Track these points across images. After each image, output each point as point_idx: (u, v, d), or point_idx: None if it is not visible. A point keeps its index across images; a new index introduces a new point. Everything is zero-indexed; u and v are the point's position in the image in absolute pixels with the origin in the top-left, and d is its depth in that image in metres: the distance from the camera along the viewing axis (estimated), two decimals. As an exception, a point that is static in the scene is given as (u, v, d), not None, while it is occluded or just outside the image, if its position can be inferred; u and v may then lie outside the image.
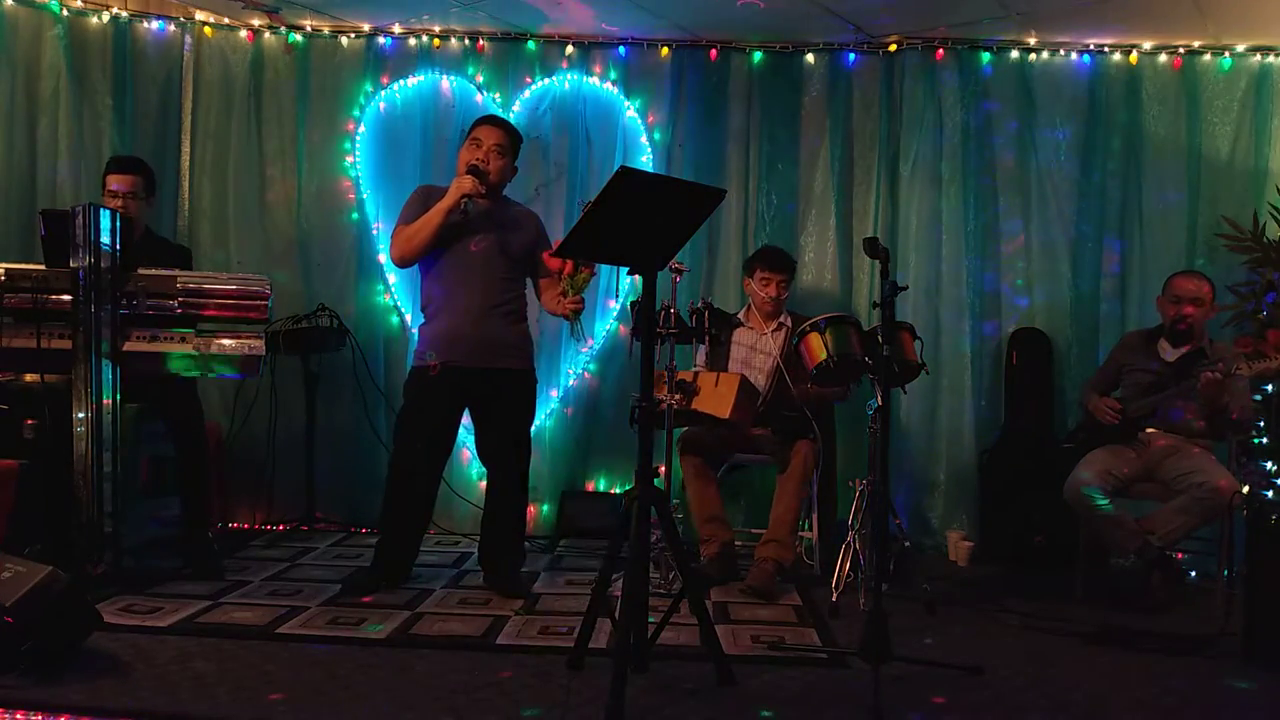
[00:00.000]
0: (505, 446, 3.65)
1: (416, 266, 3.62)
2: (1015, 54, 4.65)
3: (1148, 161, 4.58)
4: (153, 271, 3.44)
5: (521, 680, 2.67)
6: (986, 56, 4.67)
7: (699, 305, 3.73)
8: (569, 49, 4.80)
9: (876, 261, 2.87)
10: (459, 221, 3.45)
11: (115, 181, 3.73)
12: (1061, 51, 4.63)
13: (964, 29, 4.56)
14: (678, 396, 3.58)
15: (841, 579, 3.58)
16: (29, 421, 3.58)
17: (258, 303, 3.48)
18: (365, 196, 4.83)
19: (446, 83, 4.84)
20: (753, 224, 4.79)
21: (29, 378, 3.55)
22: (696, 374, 3.80)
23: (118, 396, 3.36)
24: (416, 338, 3.67)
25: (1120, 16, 4.28)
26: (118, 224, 3.35)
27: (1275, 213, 4.33)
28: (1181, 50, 4.55)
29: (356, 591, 3.49)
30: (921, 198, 4.68)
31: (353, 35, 4.83)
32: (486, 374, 3.52)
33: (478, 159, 3.49)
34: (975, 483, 4.59)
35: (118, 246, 3.34)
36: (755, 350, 4.20)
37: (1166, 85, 4.58)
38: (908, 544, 3.96)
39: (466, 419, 3.75)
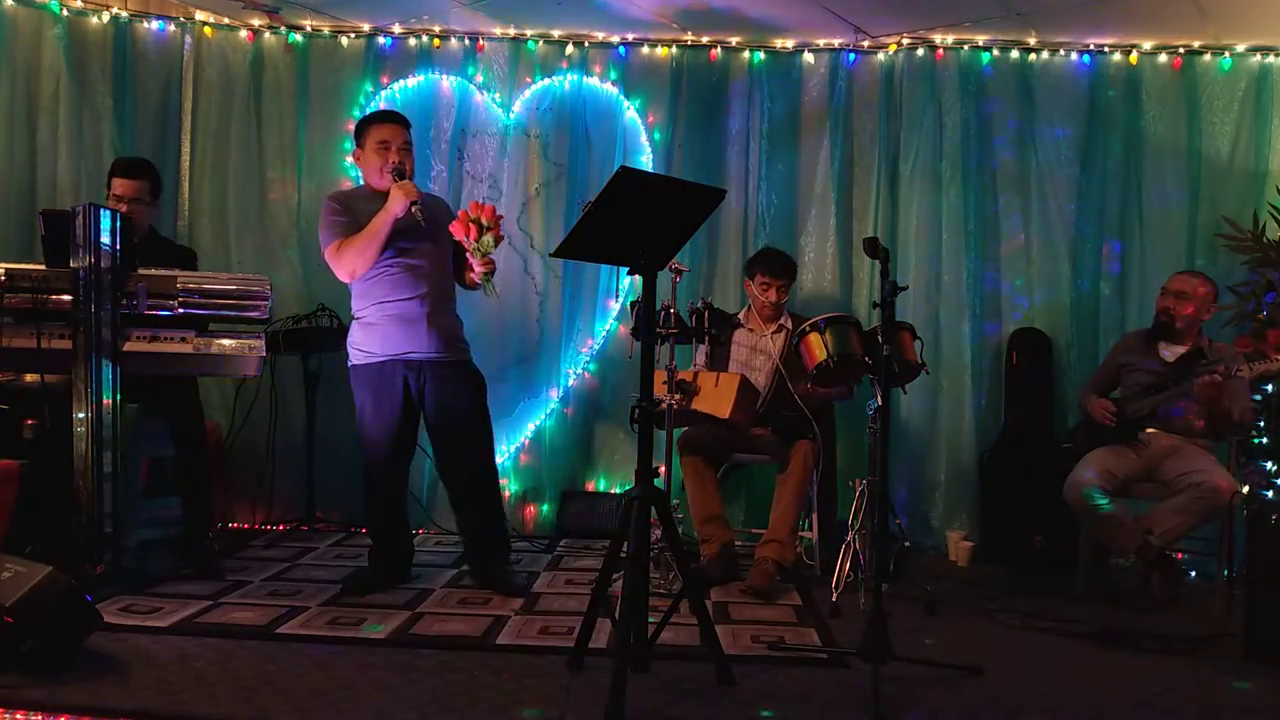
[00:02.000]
0: (453, 439, 3.61)
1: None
2: (1015, 54, 4.65)
3: (1148, 161, 4.58)
4: (153, 271, 3.44)
5: (521, 680, 2.67)
6: (986, 56, 4.67)
7: (699, 305, 3.73)
8: (569, 49, 4.80)
9: (876, 261, 2.87)
10: (408, 226, 3.43)
11: (121, 186, 3.72)
12: (1061, 51, 4.63)
13: (964, 29, 4.56)
14: (678, 396, 3.58)
15: (841, 579, 3.58)
16: (29, 421, 3.58)
17: (258, 303, 3.48)
18: (365, 196, 4.83)
19: (446, 83, 4.84)
20: (753, 224, 4.79)
21: (29, 378, 3.55)
22: (696, 374, 3.80)
23: (118, 396, 3.36)
24: (354, 335, 3.63)
25: (1120, 16, 4.28)
26: (118, 224, 3.35)
27: (1275, 213, 4.33)
28: (1181, 50, 4.55)
29: (356, 591, 3.50)
30: (921, 198, 4.67)
31: (353, 35, 4.83)
32: (429, 365, 3.53)
33: (394, 163, 3.49)
34: (975, 483, 4.59)
35: (118, 246, 3.34)
36: (755, 351, 4.20)
37: (1166, 85, 4.58)
38: (908, 544, 3.96)
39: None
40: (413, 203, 3.38)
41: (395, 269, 3.51)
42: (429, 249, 3.54)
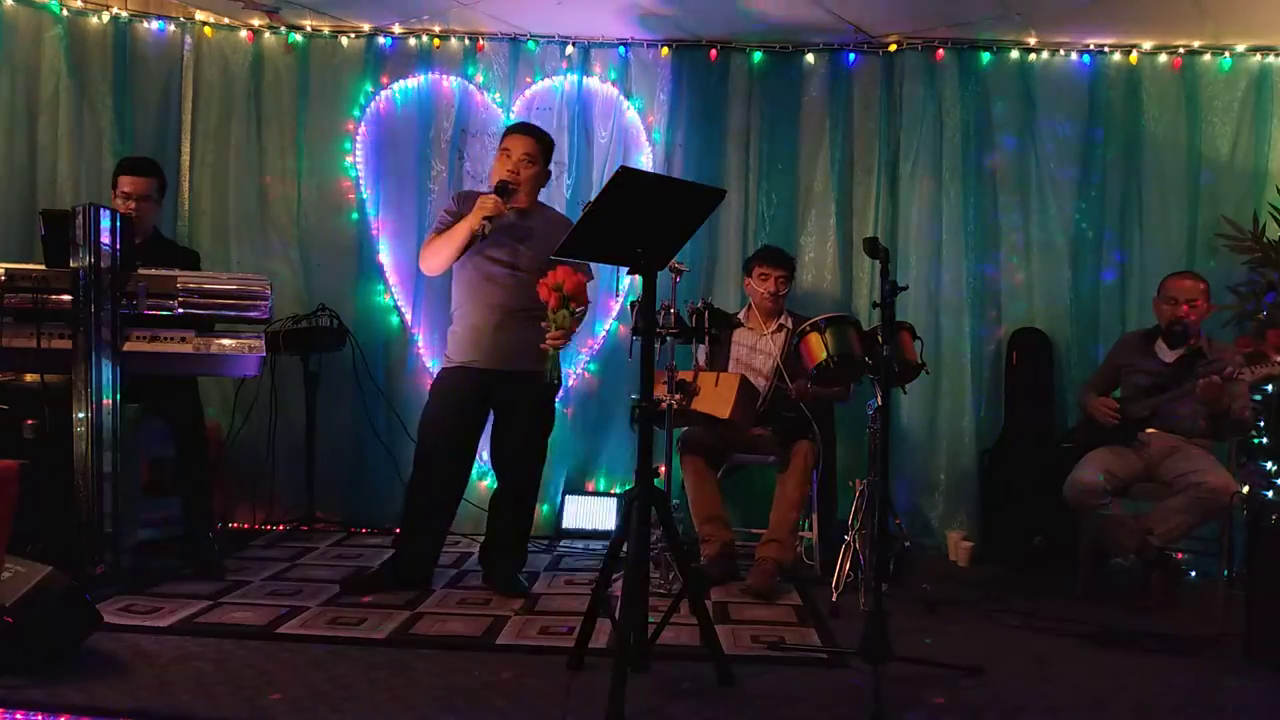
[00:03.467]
0: (521, 452, 3.66)
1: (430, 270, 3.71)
2: (1015, 54, 4.65)
3: (1148, 161, 4.58)
4: (153, 271, 3.44)
5: (521, 680, 2.67)
6: (986, 56, 4.67)
7: (699, 305, 3.73)
8: (569, 49, 4.80)
9: (876, 261, 2.87)
10: (496, 236, 3.48)
11: (130, 183, 3.74)
12: (1061, 51, 4.63)
13: (964, 29, 4.56)
14: (678, 396, 3.58)
15: (841, 579, 3.58)
16: (29, 421, 3.57)
17: (258, 303, 3.48)
18: (365, 196, 4.83)
19: (446, 83, 4.84)
20: (753, 224, 4.79)
21: (29, 378, 3.55)
22: (696, 374, 3.79)
23: (118, 396, 3.36)
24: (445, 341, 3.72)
25: (1120, 16, 4.28)
26: (118, 224, 3.35)
27: (1275, 213, 4.33)
28: (1181, 50, 4.55)
29: (356, 591, 3.50)
30: (921, 198, 4.68)
31: (353, 35, 4.83)
32: (508, 376, 3.54)
33: (508, 171, 3.52)
34: (975, 483, 4.59)
35: (118, 246, 3.34)
36: (755, 351, 4.20)
37: (1166, 85, 4.58)
38: (908, 544, 3.96)
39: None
40: (485, 218, 3.40)
41: (475, 277, 3.57)
42: (516, 261, 3.54)
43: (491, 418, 3.69)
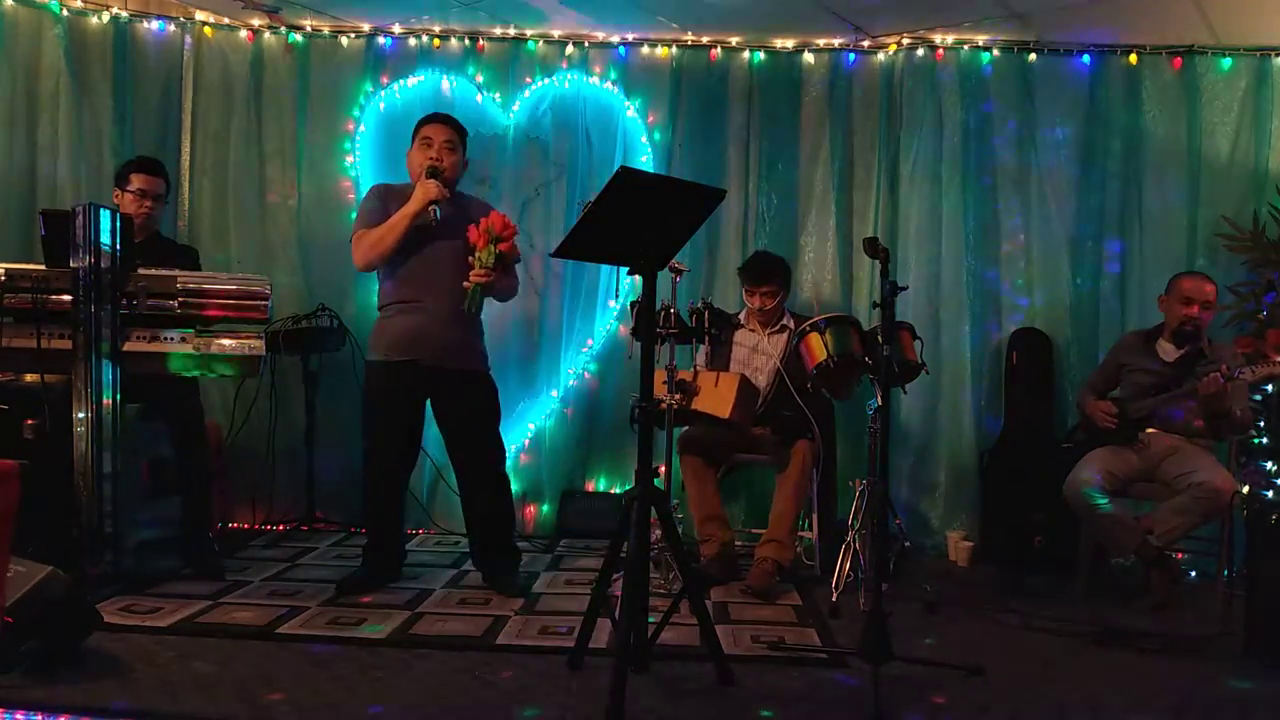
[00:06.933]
0: (470, 446, 3.64)
1: None
2: (1015, 54, 4.65)
3: (1148, 161, 4.58)
4: (153, 271, 3.43)
5: (521, 680, 2.67)
6: (986, 56, 4.66)
7: (699, 305, 3.74)
8: (569, 49, 4.80)
9: (876, 261, 2.87)
10: (424, 224, 3.46)
11: (146, 182, 3.77)
12: (1061, 51, 4.63)
13: (964, 29, 4.56)
14: (678, 396, 3.58)
15: (841, 579, 3.58)
16: (29, 421, 3.57)
17: (258, 303, 3.47)
18: (365, 196, 4.83)
19: (446, 83, 4.84)
20: (753, 224, 4.79)
21: (29, 378, 3.55)
22: (696, 374, 3.80)
23: (118, 396, 3.36)
24: (372, 332, 3.67)
25: (1120, 16, 4.27)
26: (118, 224, 3.35)
27: (1275, 213, 4.33)
28: (1181, 50, 4.55)
29: (350, 592, 3.50)
30: (921, 198, 4.67)
31: (353, 35, 4.83)
32: (446, 373, 3.53)
33: (431, 158, 3.50)
34: (975, 483, 4.59)
35: (118, 246, 3.34)
36: (756, 351, 4.20)
37: (1166, 85, 4.58)
38: (908, 544, 3.96)
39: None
40: (431, 202, 3.39)
41: (412, 269, 3.53)
42: (451, 252, 3.51)
43: (433, 416, 3.69)
